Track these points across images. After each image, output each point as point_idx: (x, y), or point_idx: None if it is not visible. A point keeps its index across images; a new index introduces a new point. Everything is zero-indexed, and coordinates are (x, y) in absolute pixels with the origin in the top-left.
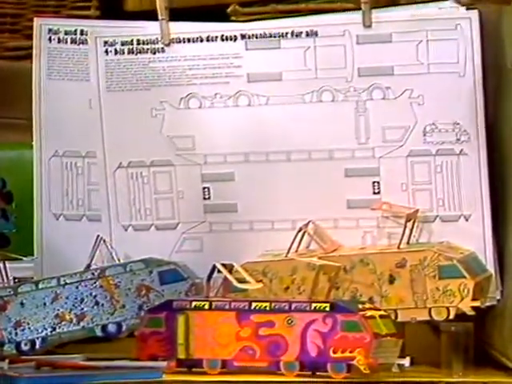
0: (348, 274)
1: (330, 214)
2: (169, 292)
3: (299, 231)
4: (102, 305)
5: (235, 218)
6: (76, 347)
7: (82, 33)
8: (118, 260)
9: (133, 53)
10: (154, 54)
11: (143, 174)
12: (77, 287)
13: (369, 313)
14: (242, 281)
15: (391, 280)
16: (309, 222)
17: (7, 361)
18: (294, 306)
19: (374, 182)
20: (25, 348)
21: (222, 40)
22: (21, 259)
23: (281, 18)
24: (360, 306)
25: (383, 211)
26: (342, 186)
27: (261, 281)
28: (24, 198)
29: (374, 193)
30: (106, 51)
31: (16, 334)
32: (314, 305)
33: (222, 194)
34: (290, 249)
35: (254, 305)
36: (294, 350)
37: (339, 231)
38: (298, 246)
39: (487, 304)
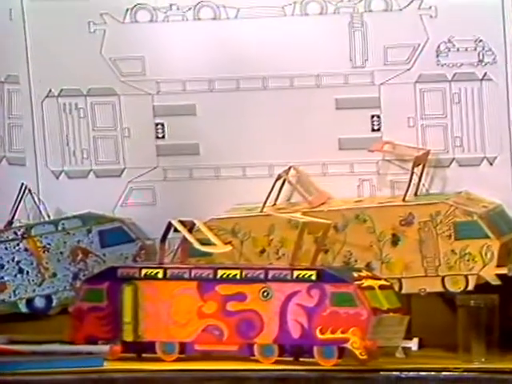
0: (340, 233)
1: (317, 156)
2: (112, 256)
3: (278, 179)
4: (27, 273)
5: (196, 162)
6: None
7: None
8: (48, 216)
9: None
10: None
11: (79, 105)
12: None
13: (366, 282)
14: (205, 242)
15: (394, 241)
16: (290, 167)
17: None
18: (271, 274)
19: (373, 116)
20: None
21: None
22: None
23: None
24: (355, 275)
25: (385, 153)
26: (332, 122)
27: (229, 242)
28: None
29: (373, 130)
30: None
31: None
32: (296, 273)
33: (180, 131)
34: (266, 202)
35: (220, 273)
36: (271, 330)
37: (329, 179)
38: (277, 199)
39: None
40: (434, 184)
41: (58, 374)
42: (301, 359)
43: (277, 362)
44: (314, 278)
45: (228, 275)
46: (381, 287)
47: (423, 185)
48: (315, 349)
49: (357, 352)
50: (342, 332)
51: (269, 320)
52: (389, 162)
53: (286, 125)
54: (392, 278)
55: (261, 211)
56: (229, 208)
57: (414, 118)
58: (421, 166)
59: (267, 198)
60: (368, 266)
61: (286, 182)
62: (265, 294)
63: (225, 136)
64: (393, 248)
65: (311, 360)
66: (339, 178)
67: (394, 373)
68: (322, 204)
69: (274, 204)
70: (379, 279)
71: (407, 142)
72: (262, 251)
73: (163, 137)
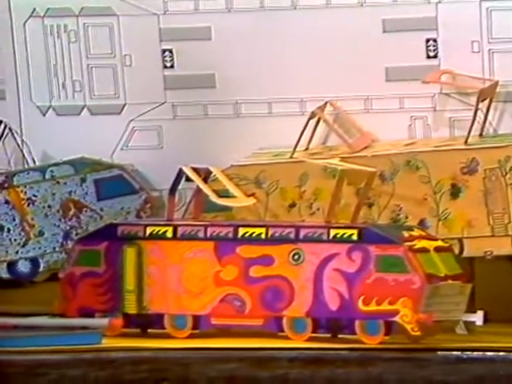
0: (387, 183)
1: (360, 90)
2: (111, 211)
3: (311, 117)
4: (8, 231)
5: (212, 96)
6: None
7: None
8: (33, 161)
9: None
10: None
11: (69, 27)
12: None
13: (419, 244)
14: (223, 194)
15: (454, 193)
16: (326, 102)
17: None
18: (302, 233)
19: (428, 40)
20: None
21: None
22: None
23: None
24: (405, 234)
25: (442, 85)
26: (378, 47)
27: (253, 194)
28: None
29: (429, 56)
30: None
31: None
32: (333, 231)
33: (192, 60)
34: (296, 145)
35: (241, 231)
36: (303, 301)
37: (374, 117)
38: (310, 142)
39: None
40: (502, 122)
41: (45, 354)
42: (339, 336)
43: (310, 339)
44: (355, 237)
45: (251, 234)
46: (437, 249)
47: (490, 123)
48: (357, 323)
49: (408, 327)
50: (390, 303)
51: (300, 288)
52: (447, 96)
53: (321, 51)
54: (451, 238)
55: (290, 157)
56: (252, 153)
57: (479, 42)
58: (487, 101)
59: (298, 141)
60: (421, 224)
61: (321, 121)
62: (295, 257)
63: (246, 65)
64: (452, 201)
65: (352, 337)
66: (386, 115)
67: (454, 352)
68: (366, 148)
69: (307, 148)
70: (435, 240)
71: (470, 72)
72: (292, 205)
73: (172, 66)
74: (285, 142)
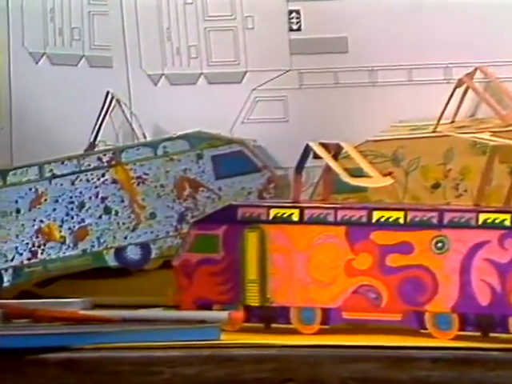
0: None
1: None
2: (230, 191)
3: (458, 86)
4: (116, 213)
5: (344, 62)
6: (68, 286)
7: None
8: (144, 135)
9: None
10: None
11: None
12: (72, 183)
13: None
14: (355, 173)
15: None
16: (475, 69)
17: None
18: (447, 217)
19: None
20: None
21: None
22: None
23: None
24: None
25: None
26: None
27: (390, 174)
28: None
29: None
30: None
31: None
32: (483, 216)
33: (322, 21)
34: (440, 117)
35: (377, 215)
36: (448, 294)
37: None
38: (456, 113)
39: None
40: None
41: (157, 350)
42: (490, 334)
43: (456, 338)
44: (508, 223)
45: (388, 219)
46: None
47: None
48: (511, 321)
49: None
50: None
51: (444, 280)
52: None
53: (468, 9)
54: None
55: (434, 131)
56: (389, 126)
57: None
58: None
59: (442, 113)
60: None
61: (470, 90)
62: (439, 244)
63: (382, 26)
64: None
65: (505, 336)
66: None
67: None
68: None
69: (453, 121)
70: None
71: None
72: (436, 186)
73: (298, 29)
74: (427, 113)
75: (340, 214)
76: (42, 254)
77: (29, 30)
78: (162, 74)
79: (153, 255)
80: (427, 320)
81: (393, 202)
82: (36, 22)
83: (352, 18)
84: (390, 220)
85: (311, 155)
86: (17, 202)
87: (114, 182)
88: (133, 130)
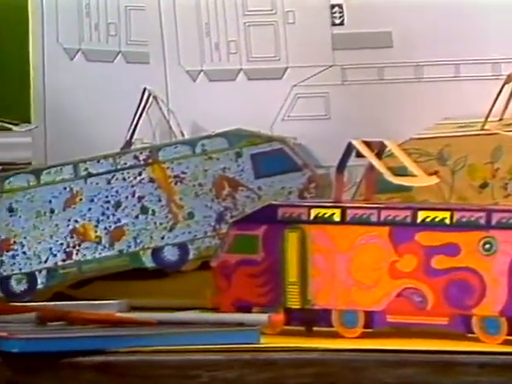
0: None
1: None
2: (270, 191)
3: (507, 82)
4: (153, 213)
5: (388, 58)
6: (103, 287)
7: None
8: (182, 133)
9: None
10: None
11: None
12: (108, 182)
13: None
14: (400, 172)
15: None
16: None
17: None
18: (495, 218)
19: None
20: (17, 288)
21: None
22: (8, 129)
23: None
24: None
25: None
26: None
27: (435, 173)
28: (10, 21)
29: None
30: None
31: (1, 262)
32: None
33: (365, 15)
34: (489, 114)
35: (422, 215)
36: (497, 298)
37: None
38: (505, 110)
39: None
40: None
41: (196, 353)
42: None
43: (505, 343)
44: None
45: (433, 219)
46: None
47: None
48: None
49: None
50: None
51: (492, 283)
52: None
53: None
54: None
55: (481, 128)
56: (435, 123)
57: None
58: None
59: (491, 110)
60: None
61: None
62: (486, 246)
63: (429, 19)
64: None
65: None
66: None
67: None
68: None
69: (501, 118)
70: None
71: None
72: (483, 185)
73: (341, 23)
74: (474, 110)
75: (383, 214)
76: (76, 254)
77: (63, 25)
78: (201, 70)
79: (190, 256)
80: (474, 324)
81: (438, 202)
82: (71, 18)
83: (397, 12)
84: (436, 220)
85: (354, 153)
86: (51, 201)
87: (151, 180)
88: (170, 127)
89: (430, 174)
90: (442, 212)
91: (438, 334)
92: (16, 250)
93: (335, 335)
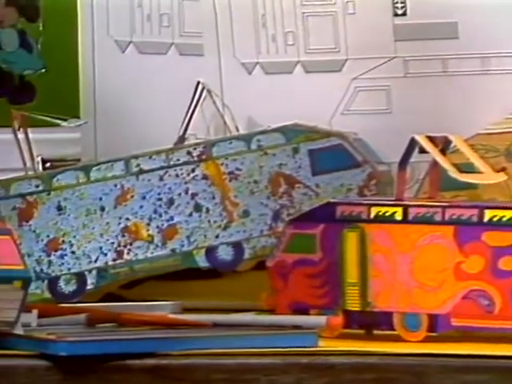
0: None
1: None
2: (328, 188)
3: None
4: (207, 211)
5: (453, 49)
6: (155, 288)
7: None
8: (236, 128)
9: None
10: None
11: None
12: (161, 178)
13: None
14: (465, 169)
15: None
16: None
17: (36, 312)
18: None
19: None
20: (66, 289)
21: None
22: (56, 124)
23: None
24: None
25: None
26: None
27: (503, 169)
28: (59, 13)
29: None
30: None
31: (50, 262)
32: None
33: (428, 5)
34: None
35: (489, 214)
36: None
37: None
38: None
39: None
40: None
41: (252, 357)
42: None
43: None
44: None
45: (500, 218)
46: None
47: None
48: None
49: None
50: None
51: None
52: None
53: None
54: None
55: None
56: (502, 118)
57: None
58: None
59: None
60: None
61: None
62: None
63: (496, 9)
64: None
65: None
66: None
67: None
68: None
69: None
70: None
71: None
72: None
73: (404, 14)
74: None
75: (448, 212)
76: (128, 254)
77: (114, 17)
78: (257, 63)
79: (246, 255)
80: None
81: (506, 200)
82: (122, 9)
83: (463, 2)
84: (504, 220)
85: (417, 149)
86: (101, 199)
87: (205, 177)
88: (225, 122)
89: (498, 171)
90: (510, 211)
91: (506, 338)
92: (65, 250)
93: (396, 339)
